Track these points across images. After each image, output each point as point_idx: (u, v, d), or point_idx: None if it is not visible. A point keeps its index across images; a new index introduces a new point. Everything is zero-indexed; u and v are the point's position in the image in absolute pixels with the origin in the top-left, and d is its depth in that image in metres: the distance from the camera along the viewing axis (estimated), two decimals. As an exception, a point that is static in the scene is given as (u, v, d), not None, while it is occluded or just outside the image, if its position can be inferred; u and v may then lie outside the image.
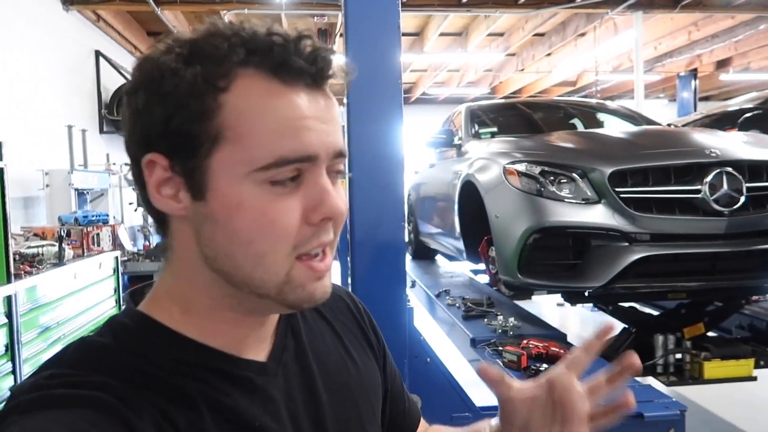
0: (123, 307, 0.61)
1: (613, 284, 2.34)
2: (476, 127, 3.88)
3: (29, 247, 3.77)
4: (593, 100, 5.29)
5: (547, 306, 5.27)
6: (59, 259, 3.90)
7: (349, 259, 2.14)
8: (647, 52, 9.97)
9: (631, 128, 3.59)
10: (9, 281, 3.14)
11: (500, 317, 2.65)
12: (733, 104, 4.30)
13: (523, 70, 11.44)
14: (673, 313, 2.82)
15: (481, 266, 3.53)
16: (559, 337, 2.51)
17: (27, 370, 3.17)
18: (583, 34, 9.24)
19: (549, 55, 10.61)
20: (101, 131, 7.41)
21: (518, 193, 2.57)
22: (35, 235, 4.19)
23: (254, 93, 0.53)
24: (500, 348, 2.23)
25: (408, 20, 8.82)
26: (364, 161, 1.99)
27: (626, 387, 0.65)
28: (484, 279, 3.90)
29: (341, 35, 2.30)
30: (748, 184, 2.33)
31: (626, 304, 2.82)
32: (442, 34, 9.15)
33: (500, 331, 2.56)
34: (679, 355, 2.49)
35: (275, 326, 0.65)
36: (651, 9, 7.70)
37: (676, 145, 2.64)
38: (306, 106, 0.54)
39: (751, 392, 3.46)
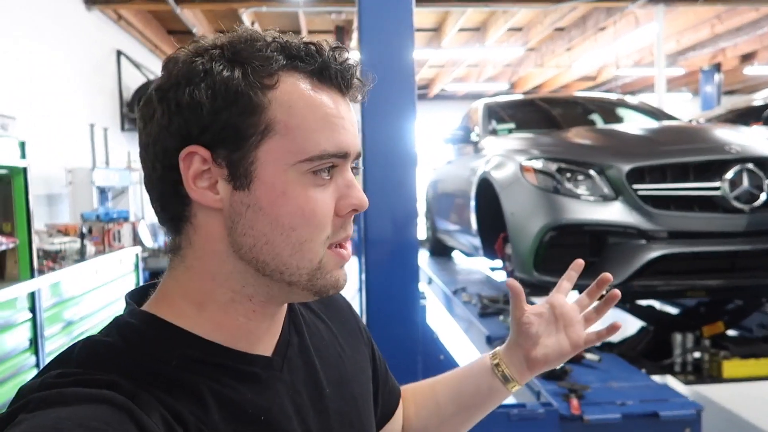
0: (125, 308, 0.62)
1: (631, 282, 2.32)
2: (493, 123, 3.86)
3: (52, 244, 3.84)
4: (613, 96, 5.22)
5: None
6: (81, 256, 3.97)
7: (361, 256, 2.15)
8: (669, 45, 9.80)
9: (651, 124, 3.55)
10: (32, 277, 3.21)
11: (516, 315, 2.63)
12: (758, 98, 4.22)
13: (542, 65, 11.32)
14: (692, 312, 2.79)
15: (498, 263, 3.52)
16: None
17: (50, 363, 3.23)
18: (603, 28, 9.11)
19: (569, 49, 10.50)
20: (122, 129, 7.51)
21: (534, 190, 2.55)
22: (58, 231, 4.27)
23: (300, 91, 0.58)
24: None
25: (426, 16, 8.79)
26: (377, 158, 1.99)
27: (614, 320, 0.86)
28: (501, 276, 3.89)
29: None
30: (769, 181, 2.29)
31: (644, 302, 2.79)
32: (460, 30, 9.10)
33: (516, 328, 2.55)
34: (697, 354, 2.46)
35: (283, 322, 0.67)
36: (672, 2, 7.57)
37: (695, 141, 2.61)
38: (341, 108, 0.60)
39: (772, 392, 3.39)
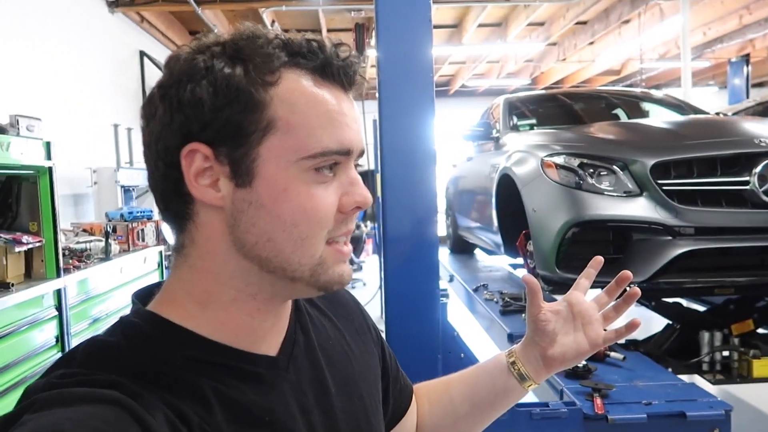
0: (130, 308, 0.62)
1: (657, 279, 2.27)
2: (514, 119, 3.81)
3: (77, 243, 3.91)
4: (637, 90, 5.13)
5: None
6: (106, 254, 4.03)
7: (381, 254, 2.14)
8: (696, 38, 9.60)
9: (676, 118, 3.47)
10: (59, 275, 3.26)
11: (538, 312, 2.60)
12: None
13: (564, 59, 11.18)
14: (720, 310, 2.72)
15: (520, 261, 3.48)
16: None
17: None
18: (627, 21, 8.95)
19: (592, 43, 10.33)
20: (146, 129, 7.61)
21: (556, 186, 2.51)
22: (84, 230, 4.33)
23: (302, 88, 0.57)
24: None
25: (446, 12, 8.73)
26: (396, 156, 1.98)
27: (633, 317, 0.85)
28: (522, 273, 3.85)
29: (374, 29, 2.29)
30: (800, 175, 2.22)
31: (670, 300, 2.73)
32: (480, 25, 9.02)
33: (538, 326, 2.52)
34: (726, 353, 2.40)
35: (288, 321, 0.66)
36: (699, -7, 7.41)
37: (722, 134, 2.54)
38: (343, 104, 0.60)
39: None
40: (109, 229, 4.27)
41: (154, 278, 4.80)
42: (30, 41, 4.86)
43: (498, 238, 3.43)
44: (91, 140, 5.87)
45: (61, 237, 3.45)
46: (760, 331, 2.61)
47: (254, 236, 0.57)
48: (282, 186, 0.56)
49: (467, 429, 0.89)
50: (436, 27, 9.83)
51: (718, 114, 3.80)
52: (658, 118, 3.69)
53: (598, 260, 0.88)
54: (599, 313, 0.84)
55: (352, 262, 8.86)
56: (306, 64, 0.58)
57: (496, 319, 2.82)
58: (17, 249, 3.02)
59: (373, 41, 8.36)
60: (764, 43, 10.53)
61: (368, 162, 5.21)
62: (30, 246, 3.11)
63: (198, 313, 0.59)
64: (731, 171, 2.26)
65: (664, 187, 2.28)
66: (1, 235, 2.99)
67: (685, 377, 2.21)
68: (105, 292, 3.89)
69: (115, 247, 4.24)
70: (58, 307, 3.23)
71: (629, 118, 3.78)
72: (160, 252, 4.95)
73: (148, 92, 0.60)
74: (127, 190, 5.70)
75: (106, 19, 6.66)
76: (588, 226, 2.39)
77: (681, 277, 2.30)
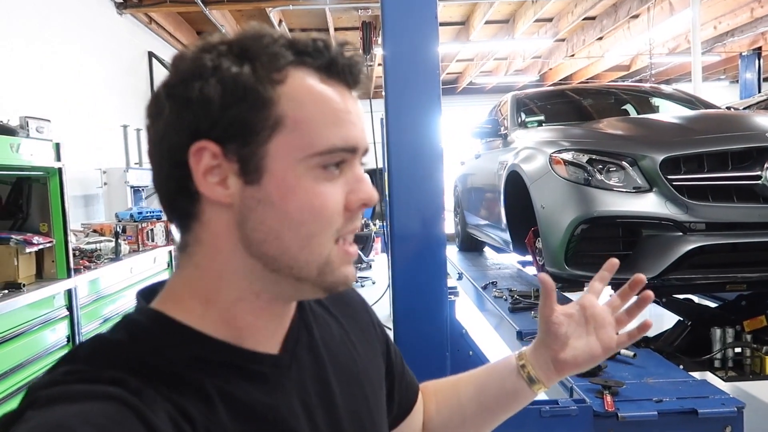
0: (135, 306, 0.62)
1: (667, 275, 2.25)
2: (522, 115, 3.80)
3: (88, 243, 3.93)
4: (646, 85, 5.09)
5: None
6: (115, 254, 4.06)
7: (389, 252, 2.14)
8: (706, 32, 9.50)
9: (686, 113, 3.44)
10: (69, 276, 3.29)
11: (547, 310, 2.59)
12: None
13: (573, 55, 11.10)
14: (732, 306, 2.69)
15: (529, 258, 3.47)
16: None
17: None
18: (636, 16, 8.88)
19: (600, 39, 10.26)
20: (155, 130, 7.64)
21: (565, 182, 2.50)
22: (94, 231, 4.37)
23: (309, 86, 0.58)
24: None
25: (453, 9, 8.70)
26: (402, 153, 1.97)
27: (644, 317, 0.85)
28: (531, 271, 3.83)
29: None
30: (813, 169, 2.19)
31: (681, 296, 2.71)
32: (488, 22, 8.98)
33: (547, 323, 2.51)
34: (738, 349, 2.37)
35: (291, 319, 0.66)
36: (709, -14, 7.33)
37: (733, 129, 2.51)
38: (348, 103, 0.60)
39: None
40: (118, 229, 4.30)
41: (164, 278, 4.82)
42: (38, 43, 4.90)
43: (506, 236, 3.41)
44: (100, 141, 5.91)
45: (72, 237, 3.48)
46: (773, 327, 2.58)
47: (262, 234, 0.57)
48: (290, 183, 0.56)
49: (475, 429, 0.89)
50: (443, 24, 9.81)
51: (728, 108, 3.76)
52: (668, 113, 3.66)
53: (613, 263, 0.87)
54: (612, 317, 0.84)
55: (360, 261, 8.92)
56: (312, 62, 0.58)
57: (505, 317, 2.81)
58: (28, 250, 3.05)
59: (380, 39, 8.36)
60: (776, 36, 10.40)
61: (376, 161, 5.22)
62: (41, 247, 3.14)
63: (202, 311, 0.59)
64: (742, 165, 2.24)
65: (674, 183, 2.26)
66: (12, 236, 3.02)
67: (696, 374, 2.19)
68: (115, 292, 3.92)
69: (124, 248, 4.26)
70: (69, 307, 3.26)
71: (638, 113, 3.75)
72: (170, 252, 4.97)
73: (154, 92, 0.60)
74: (136, 191, 5.74)
75: (114, 21, 6.70)
76: (597, 223, 2.37)
77: (692, 274, 2.28)
